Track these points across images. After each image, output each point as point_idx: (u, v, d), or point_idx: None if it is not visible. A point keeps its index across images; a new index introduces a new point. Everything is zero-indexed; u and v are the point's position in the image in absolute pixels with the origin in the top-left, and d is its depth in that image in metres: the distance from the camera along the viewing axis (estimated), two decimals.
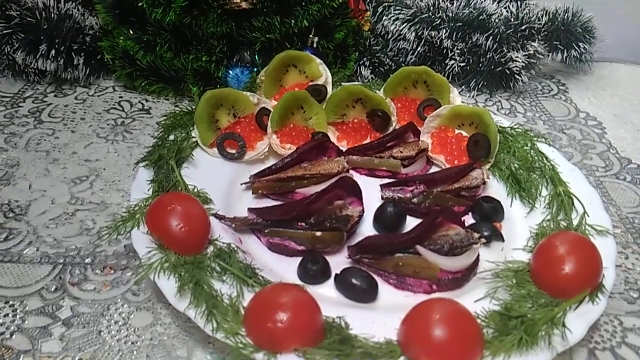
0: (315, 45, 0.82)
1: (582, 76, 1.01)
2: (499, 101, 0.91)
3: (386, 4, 0.91)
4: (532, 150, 0.68)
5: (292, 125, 0.72)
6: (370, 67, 0.92)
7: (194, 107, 0.71)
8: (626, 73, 1.03)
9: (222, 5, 0.74)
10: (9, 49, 0.80)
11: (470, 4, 0.89)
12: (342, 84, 0.81)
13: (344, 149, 0.72)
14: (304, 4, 0.76)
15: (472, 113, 0.70)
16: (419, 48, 0.90)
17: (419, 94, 0.77)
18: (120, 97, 0.85)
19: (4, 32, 0.78)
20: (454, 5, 0.91)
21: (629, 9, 1.09)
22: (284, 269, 0.55)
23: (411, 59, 0.91)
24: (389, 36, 0.91)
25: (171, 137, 0.67)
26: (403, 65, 0.89)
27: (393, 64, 0.90)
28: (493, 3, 0.91)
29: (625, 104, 0.93)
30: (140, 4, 0.75)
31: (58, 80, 0.85)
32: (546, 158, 0.66)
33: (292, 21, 0.77)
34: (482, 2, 0.91)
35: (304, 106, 0.73)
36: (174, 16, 0.74)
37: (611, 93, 0.96)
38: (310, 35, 0.81)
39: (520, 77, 0.89)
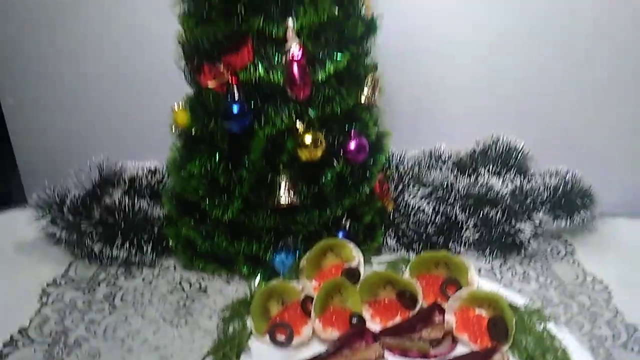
0: (347, 228, 0.96)
1: (587, 235, 1.11)
2: (513, 266, 1.01)
3: (406, 183, 1.06)
4: (545, 331, 0.77)
5: (332, 309, 0.83)
6: (395, 238, 1.04)
7: (247, 292, 0.83)
8: (628, 229, 1.14)
9: (270, 205, 0.89)
10: (89, 242, 0.95)
11: (479, 182, 1.04)
12: (372, 260, 0.94)
13: (378, 328, 0.83)
14: (338, 199, 0.91)
15: (487, 297, 0.81)
16: (436, 220, 1.04)
17: (440, 272, 0.89)
18: (181, 276, 0.97)
19: (87, 230, 0.94)
20: (465, 181, 1.05)
21: (628, 161, 1.22)
22: None
23: (430, 229, 1.03)
24: (410, 210, 1.05)
25: (230, 329, 0.78)
26: (424, 236, 1.03)
27: (414, 235, 1.03)
28: (498, 179, 1.05)
29: (628, 265, 1.02)
30: (202, 206, 0.91)
31: (127, 263, 0.99)
32: (558, 341, 0.75)
33: (328, 212, 0.91)
34: (489, 178, 1.06)
35: (341, 290, 0.84)
36: (230, 215, 0.89)
37: (615, 252, 1.06)
38: (343, 221, 0.95)
39: (530, 245, 1.01)
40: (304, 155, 0.83)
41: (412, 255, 1.03)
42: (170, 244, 0.98)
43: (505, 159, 1.09)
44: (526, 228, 1.00)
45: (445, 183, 1.04)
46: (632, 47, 1.12)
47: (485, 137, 1.16)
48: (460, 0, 1.10)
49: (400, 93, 1.16)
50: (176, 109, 0.86)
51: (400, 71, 1.13)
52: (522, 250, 1.02)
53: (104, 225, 0.95)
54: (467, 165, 1.12)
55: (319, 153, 0.83)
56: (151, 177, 1.06)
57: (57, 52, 1.17)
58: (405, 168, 1.10)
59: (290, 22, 0.76)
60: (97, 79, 1.19)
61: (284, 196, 0.87)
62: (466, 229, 1.02)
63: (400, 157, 1.14)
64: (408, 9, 1.09)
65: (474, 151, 1.15)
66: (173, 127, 0.88)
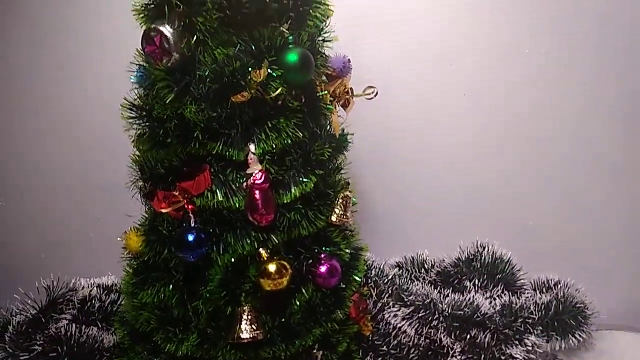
0: (319, 359, 0.86)
1: (584, 352, 1.01)
2: None
3: (386, 301, 0.98)
4: None
5: None
6: None
7: None
8: (627, 344, 1.05)
9: (230, 340, 0.79)
10: None
11: (465, 300, 0.96)
12: None
13: None
14: (308, 329, 0.81)
15: None
16: (420, 343, 0.94)
17: None
18: None
19: None
20: (449, 299, 0.97)
21: (622, 268, 1.15)
22: None
23: (413, 354, 0.93)
24: (391, 330, 0.96)
25: None
26: None
27: None
28: (485, 296, 0.98)
29: None
30: (154, 338, 0.81)
31: None
32: None
33: (297, 344, 0.82)
34: (475, 295, 0.98)
35: None
36: (186, 350, 0.79)
37: None
38: (314, 351, 0.86)
39: None
40: (267, 285, 0.74)
41: None
42: None
43: (492, 271, 1.02)
44: (518, 354, 0.90)
45: (428, 301, 0.95)
46: (611, 147, 1.09)
47: (469, 244, 1.09)
48: (435, 106, 1.08)
49: (378, 199, 1.12)
50: (129, 233, 0.79)
51: (377, 177, 1.10)
52: None
53: (46, 358, 0.84)
54: (451, 276, 1.04)
55: (284, 282, 0.75)
56: (106, 296, 0.96)
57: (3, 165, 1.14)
58: (386, 282, 1.02)
59: (252, 146, 0.71)
60: (52, 189, 1.16)
61: (246, 330, 0.77)
62: (452, 355, 0.93)
63: (380, 269, 1.06)
64: (381, 116, 1.05)
65: (459, 259, 1.07)
66: (126, 251, 0.80)
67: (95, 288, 0.98)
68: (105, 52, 1.09)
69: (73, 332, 0.87)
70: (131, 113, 0.74)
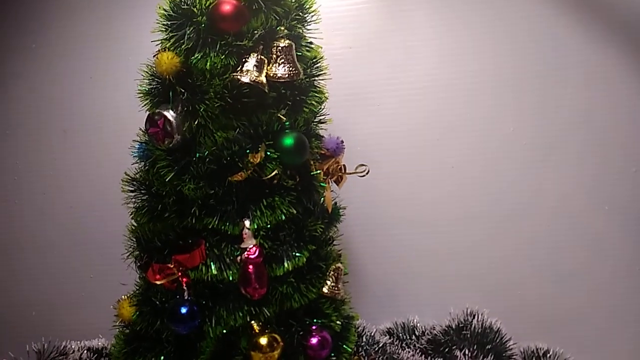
0: None
1: None
2: None
3: None
4: None
5: None
6: None
7: None
8: None
9: None
10: None
11: None
12: None
13: None
14: None
15: None
16: None
17: None
18: None
19: None
20: None
21: (612, 342, 1.15)
22: None
23: None
24: None
25: None
26: None
27: None
28: None
29: None
30: None
31: None
32: None
33: None
34: None
35: None
36: None
37: None
38: None
39: None
40: (259, 359, 0.75)
41: None
42: None
43: (482, 341, 1.01)
44: None
45: None
46: (592, 221, 1.12)
47: (459, 311, 1.10)
48: (423, 178, 1.12)
49: (368, 266, 1.13)
50: (122, 301, 0.79)
51: (367, 244, 1.12)
52: None
53: None
54: (442, 344, 1.04)
55: (275, 355, 0.75)
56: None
57: (9, 223, 1.17)
58: (377, 350, 1.02)
59: (247, 222, 0.73)
60: (45, 247, 1.18)
61: None
62: None
63: (371, 335, 1.06)
64: (371, 188, 1.09)
65: (449, 327, 1.07)
66: (118, 320, 0.81)
67: (85, 351, 0.97)
68: (105, 124, 1.13)
69: None
70: (131, 187, 0.77)
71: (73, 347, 0.98)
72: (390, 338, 1.06)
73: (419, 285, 1.16)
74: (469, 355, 1.01)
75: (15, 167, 1.16)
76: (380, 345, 1.03)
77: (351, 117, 1.07)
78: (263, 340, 0.75)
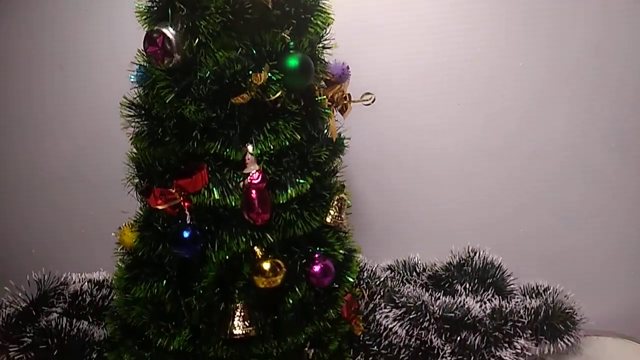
0: (311, 357, 0.87)
1: (571, 357, 1.02)
2: None
3: (377, 302, 0.99)
4: None
5: None
6: None
7: None
8: (615, 350, 1.07)
9: (222, 335, 0.80)
10: None
11: (456, 302, 0.97)
12: None
13: None
14: (300, 327, 0.82)
15: None
16: (411, 343, 0.95)
17: None
18: None
19: (16, 356, 0.84)
20: (440, 301, 0.98)
21: (611, 280, 1.17)
22: None
23: (404, 354, 0.94)
24: (382, 331, 0.97)
25: None
26: None
27: None
28: (476, 299, 0.99)
29: None
30: (146, 333, 0.81)
31: None
32: None
33: (289, 341, 0.82)
34: (466, 298, 0.99)
35: None
36: (177, 345, 0.80)
37: None
38: (306, 349, 0.86)
39: None
40: (261, 283, 0.75)
41: None
42: None
43: (483, 276, 1.03)
44: (507, 356, 0.92)
45: (420, 303, 0.96)
46: (604, 161, 1.11)
47: (460, 249, 1.10)
48: (430, 113, 1.09)
49: (371, 203, 1.13)
50: (123, 228, 0.79)
51: (371, 180, 1.11)
52: None
53: (36, 351, 0.84)
54: (442, 280, 1.05)
55: (278, 280, 0.75)
56: (97, 291, 0.96)
57: (3, 162, 1.15)
58: (378, 284, 1.03)
59: (249, 147, 0.71)
60: (44, 185, 1.16)
61: (238, 326, 0.78)
62: (442, 356, 0.94)
63: (372, 271, 1.07)
64: (377, 122, 1.07)
65: (450, 264, 1.09)
66: (120, 246, 0.81)
67: (86, 283, 0.98)
68: (104, 50, 1.09)
69: (64, 326, 0.87)
70: (130, 111, 0.75)
71: (73, 278, 0.99)
72: (391, 273, 1.07)
73: (420, 224, 1.16)
74: (470, 289, 1.03)
75: (8, 103, 1.13)
76: (382, 280, 1.04)
77: (357, 45, 1.03)
78: (266, 265, 0.75)
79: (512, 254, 1.08)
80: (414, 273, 1.10)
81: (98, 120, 1.11)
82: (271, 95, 0.69)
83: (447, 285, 1.05)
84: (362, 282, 1.04)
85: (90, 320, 0.93)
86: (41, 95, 1.13)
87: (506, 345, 0.93)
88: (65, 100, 1.13)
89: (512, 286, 1.05)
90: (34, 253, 1.19)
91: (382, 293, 1.01)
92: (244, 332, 0.79)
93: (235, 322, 0.79)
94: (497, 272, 1.04)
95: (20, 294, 0.92)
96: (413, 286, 1.05)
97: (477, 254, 1.07)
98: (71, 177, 1.16)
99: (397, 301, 0.97)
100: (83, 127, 1.13)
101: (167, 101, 0.69)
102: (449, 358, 0.93)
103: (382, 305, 0.98)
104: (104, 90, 1.08)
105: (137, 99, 0.75)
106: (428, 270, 1.09)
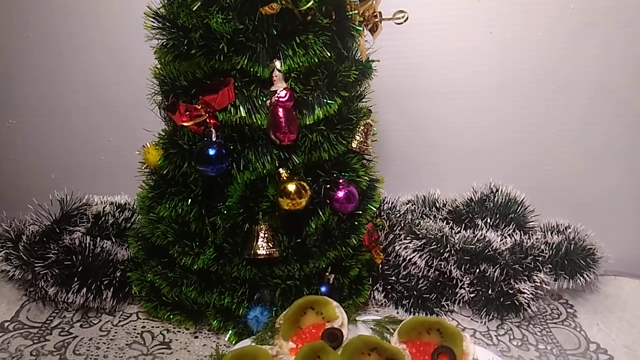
0: (331, 282, 0.88)
1: (588, 295, 1.03)
2: (511, 329, 0.93)
3: (397, 233, 0.98)
4: None
5: None
6: (383, 292, 0.96)
7: (213, 354, 0.74)
8: (632, 289, 1.07)
9: (246, 255, 0.80)
10: (43, 284, 0.86)
11: (476, 236, 0.96)
12: (358, 318, 0.85)
13: None
14: (322, 251, 0.82)
15: None
16: (429, 274, 0.96)
17: (432, 339, 0.80)
18: (143, 326, 0.88)
19: (41, 272, 0.85)
20: (460, 234, 0.98)
21: (631, 217, 1.16)
22: None
23: (422, 284, 0.95)
24: (401, 261, 0.97)
25: None
26: (415, 291, 0.95)
27: (405, 290, 0.95)
28: (496, 234, 0.98)
29: (633, 330, 0.95)
30: (170, 251, 0.82)
31: (85, 308, 0.90)
32: None
33: (311, 265, 0.83)
34: (486, 232, 0.98)
35: (320, 355, 0.75)
36: (202, 264, 0.80)
37: (619, 317, 0.98)
38: (327, 273, 0.87)
39: (529, 307, 0.93)
40: (286, 204, 0.75)
41: (401, 312, 0.96)
42: (134, 290, 0.89)
43: (504, 211, 1.02)
44: (526, 289, 0.92)
45: (440, 235, 0.96)
46: (635, 98, 1.07)
47: (482, 185, 1.09)
48: (460, 42, 1.05)
49: (395, 136, 1.10)
50: (148, 147, 0.78)
51: (395, 113, 1.08)
52: (521, 312, 0.94)
53: (60, 267, 0.85)
54: (463, 215, 1.05)
55: (303, 203, 0.75)
56: (119, 213, 0.97)
57: (24, 84, 1.12)
58: (398, 216, 1.03)
59: (277, 63, 0.69)
60: (64, 110, 1.14)
61: (262, 247, 0.78)
62: (461, 287, 0.94)
63: (392, 204, 1.06)
64: (405, 49, 1.03)
65: (471, 200, 1.07)
66: (144, 165, 0.80)
67: (108, 205, 0.98)
68: None
69: (87, 244, 0.87)
70: (154, 22, 0.72)
71: (95, 200, 0.99)
72: (412, 206, 1.07)
73: (442, 159, 1.14)
74: (490, 224, 1.02)
75: (28, 23, 1.10)
76: (402, 212, 1.04)
77: None
78: (291, 187, 0.74)
79: (535, 192, 1.07)
80: (434, 208, 1.09)
81: (116, 43, 1.07)
82: (302, 5, 0.65)
83: (467, 220, 1.04)
84: (382, 213, 1.03)
85: (113, 240, 0.93)
86: (61, 20, 1.09)
87: (525, 278, 0.93)
88: (83, 24, 1.09)
89: (533, 223, 1.04)
90: (54, 178, 1.19)
91: (402, 225, 1.01)
92: (267, 252, 0.79)
93: (259, 243, 0.79)
94: (519, 208, 1.03)
95: (43, 213, 0.92)
96: (433, 220, 1.04)
97: (500, 190, 1.05)
98: (90, 102, 1.13)
99: (418, 233, 0.97)
100: (101, 49, 1.10)
101: (193, 9, 0.66)
102: (467, 289, 0.94)
103: (402, 236, 0.98)
104: (122, 11, 1.04)
105: (162, 9, 0.72)
106: (448, 205, 1.08)
